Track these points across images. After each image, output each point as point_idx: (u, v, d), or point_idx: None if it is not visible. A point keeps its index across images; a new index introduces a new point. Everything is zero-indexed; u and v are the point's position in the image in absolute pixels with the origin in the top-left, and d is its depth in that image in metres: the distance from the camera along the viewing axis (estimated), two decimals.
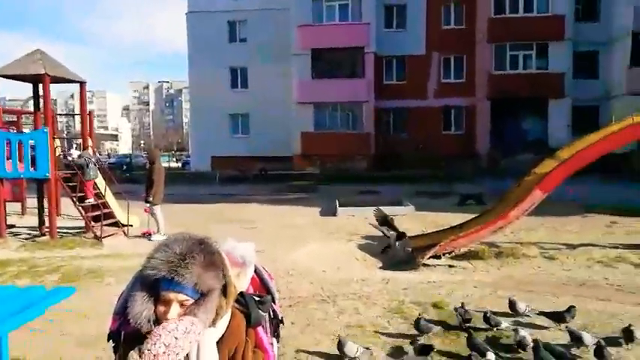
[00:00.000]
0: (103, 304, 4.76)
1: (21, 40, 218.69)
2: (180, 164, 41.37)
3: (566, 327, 3.58)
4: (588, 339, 3.39)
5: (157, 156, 9.39)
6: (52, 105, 9.35)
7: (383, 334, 3.78)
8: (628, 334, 3.57)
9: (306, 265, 6.60)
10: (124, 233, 9.33)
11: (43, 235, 9.10)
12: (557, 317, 3.94)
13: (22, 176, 9.14)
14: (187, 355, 1.41)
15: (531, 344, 3.27)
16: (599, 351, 3.20)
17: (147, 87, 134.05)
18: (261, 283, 1.85)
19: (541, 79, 22.37)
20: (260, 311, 1.68)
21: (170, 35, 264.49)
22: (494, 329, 3.80)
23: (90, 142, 9.74)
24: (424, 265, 6.89)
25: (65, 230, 9.33)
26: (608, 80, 22.91)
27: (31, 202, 10.66)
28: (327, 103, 23.81)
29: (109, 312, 4.52)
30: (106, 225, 8.99)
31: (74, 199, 8.79)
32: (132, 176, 22.05)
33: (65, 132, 43.42)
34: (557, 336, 3.77)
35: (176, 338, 1.33)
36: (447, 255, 7.26)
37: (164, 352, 1.31)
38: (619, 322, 3.95)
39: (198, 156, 28.31)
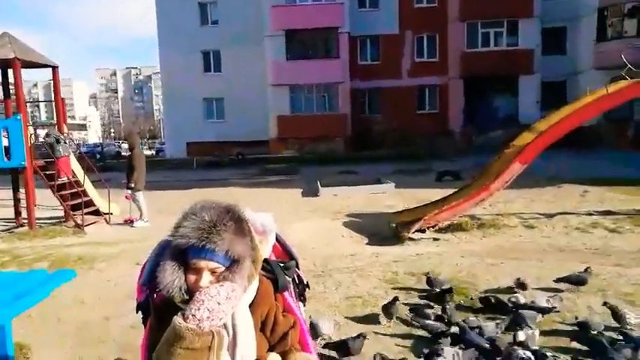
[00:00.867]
0: (98, 289, 4.74)
1: None
2: (153, 152, 40.56)
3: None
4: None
5: (136, 141, 9.23)
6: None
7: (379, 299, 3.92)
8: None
9: (295, 242, 6.60)
10: (106, 221, 9.19)
11: (21, 225, 8.88)
12: (578, 280, 4.07)
13: None
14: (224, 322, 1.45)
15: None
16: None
17: (114, 74, 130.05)
18: (283, 249, 1.90)
19: (512, 56, 22.75)
20: (286, 276, 1.73)
21: (138, 19, 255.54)
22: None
23: (66, 129, 9.48)
24: (410, 239, 7.07)
25: (43, 221, 9.12)
26: (576, 56, 23.48)
27: (1, 193, 10.38)
28: (303, 85, 23.68)
29: (106, 297, 4.57)
30: (86, 214, 8.84)
31: (53, 188, 8.59)
32: (106, 165, 21.56)
33: (31, 122, 41.85)
34: None
35: (219, 304, 1.36)
36: (431, 228, 7.46)
37: (208, 317, 1.34)
38: (602, 281, 4.17)
39: (172, 143, 27.82)
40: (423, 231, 7.32)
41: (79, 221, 8.59)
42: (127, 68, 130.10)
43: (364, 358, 2.99)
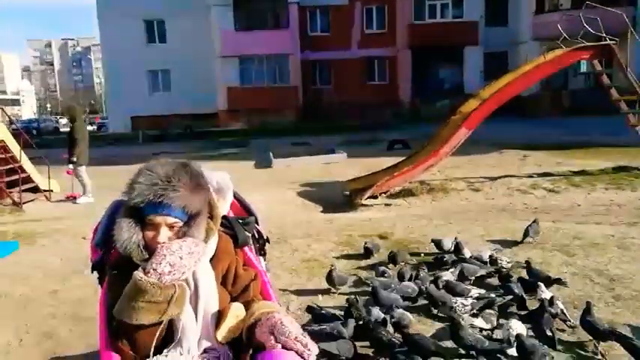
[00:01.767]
0: (42, 265, 4.54)
1: None
2: (95, 127, 38.61)
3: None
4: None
5: (78, 113, 8.74)
6: None
7: (338, 259, 4.02)
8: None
9: None
10: (46, 198, 8.74)
11: None
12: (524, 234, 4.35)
13: None
14: None
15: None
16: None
17: (49, 45, 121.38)
18: (241, 206, 1.90)
19: (457, 28, 23.23)
20: (245, 232, 1.73)
21: None
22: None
23: None
24: (362, 205, 7.22)
25: None
26: (516, 27, 24.30)
27: None
28: (252, 55, 23.17)
29: (52, 272, 4.37)
30: (24, 190, 8.35)
31: None
32: (43, 142, 20.34)
33: None
34: None
35: (181, 258, 1.35)
36: (383, 195, 7.65)
37: (169, 272, 1.33)
38: (541, 235, 4.45)
39: (116, 117, 26.64)
40: (375, 197, 7.50)
41: (17, 199, 8.11)
42: (62, 39, 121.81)
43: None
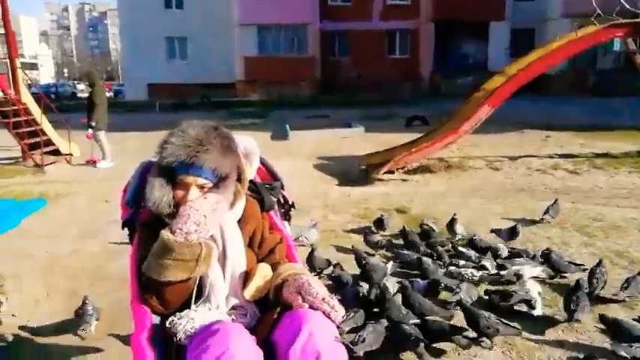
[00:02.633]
0: (65, 224, 4.65)
1: None
2: (111, 93, 38.77)
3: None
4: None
5: (96, 78, 8.78)
6: None
7: (353, 232, 4.04)
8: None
9: None
10: (67, 161, 8.88)
11: None
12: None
13: None
14: (212, 235, 1.46)
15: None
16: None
17: (66, 9, 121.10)
18: (268, 172, 1.91)
19: (483, 2, 22.52)
20: (271, 197, 1.75)
21: None
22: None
23: (19, 63, 8.88)
24: (378, 180, 7.19)
25: None
26: (545, 3, 23.48)
27: None
28: (271, 24, 22.84)
29: (75, 231, 4.46)
30: (45, 153, 8.49)
31: (8, 126, 8.15)
32: (62, 106, 20.52)
33: None
34: None
35: (205, 216, 1.38)
36: (400, 170, 7.60)
37: (195, 230, 1.36)
38: (561, 215, 4.41)
39: (132, 84, 26.65)
40: (392, 172, 7.46)
41: (38, 161, 8.26)
42: (79, 3, 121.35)
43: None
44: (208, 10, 23.91)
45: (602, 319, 2.50)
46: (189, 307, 1.43)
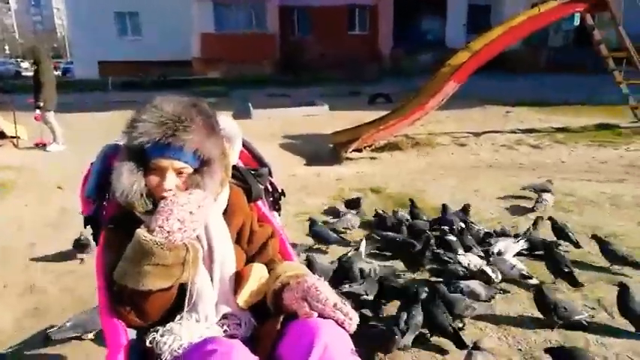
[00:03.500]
0: (16, 216, 4.27)
1: None
2: (59, 72, 36.57)
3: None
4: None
5: (42, 54, 8.10)
6: None
7: (330, 214, 3.90)
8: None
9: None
10: (14, 144, 8.24)
11: None
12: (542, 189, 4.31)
13: None
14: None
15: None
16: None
17: None
18: (252, 156, 1.70)
19: None
20: (259, 184, 1.56)
21: None
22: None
23: None
24: (347, 158, 7.07)
25: None
26: None
27: None
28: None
29: (28, 223, 4.05)
30: None
31: None
32: (6, 86, 19.15)
33: None
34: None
35: (191, 213, 1.15)
36: (368, 148, 7.51)
37: (179, 229, 1.13)
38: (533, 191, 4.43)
39: (81, 62, 25.16)
40: (360, 150, 7.36)
41: None
42: None
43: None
44: None
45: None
46: (172, 318, 1.24)
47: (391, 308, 2.49)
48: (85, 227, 1.47)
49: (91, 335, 2.34)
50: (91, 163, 1.59)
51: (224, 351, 1.01)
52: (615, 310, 2.43)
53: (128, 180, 1.23)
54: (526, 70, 18.54)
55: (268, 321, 1.24)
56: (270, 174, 1.65)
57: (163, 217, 1.13)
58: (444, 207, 3.74)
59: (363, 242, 3.10)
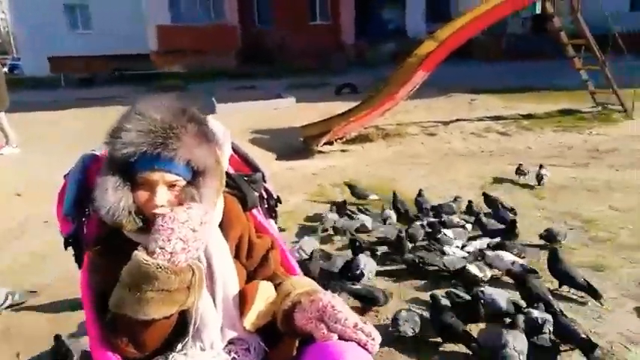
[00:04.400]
0: None
1: None
2: (6, 69, 34.61)
3: None
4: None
5: None
6: None
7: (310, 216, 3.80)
8: None
9: None
10: None
11: None
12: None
13: None
14: None
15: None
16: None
17: None
18: (243, 161, 1.58)
19: None
20: (254, 192, 1.44)
21: None
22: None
23: None
24: (319, 152, 6.98)
25: None
26: None
27: None
28: None
29: None
30: None
31: None
32: None
33: None
34: None
35: (194, 230, 1.03)
36: (339, 140, 7.44)
37: (183, 249, 1.01)
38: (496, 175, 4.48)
39: (30, 58, 23.89)
40: (330, 143, 7.28)
41: None
42: None
43: None
44: None
45: None
46: (170, 347, 1.11)
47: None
48: (66, 249, 1.31)
49: None
50: (65, 176, 1.44)
51: None
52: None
53: (114, 197, 1.10)
54: (487, 58, 18.92)
55: (280, 345, 1.14)
56: (264, 179, 1.54)
57: (163, 237, 1.01)
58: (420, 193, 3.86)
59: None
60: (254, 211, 1.46)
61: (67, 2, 22.86)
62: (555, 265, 2.58)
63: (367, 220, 3.45)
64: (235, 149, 1.56)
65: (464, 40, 7.37)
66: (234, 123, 9.33)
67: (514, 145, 6.62)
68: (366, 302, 2.45)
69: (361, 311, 2.43)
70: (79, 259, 1.30)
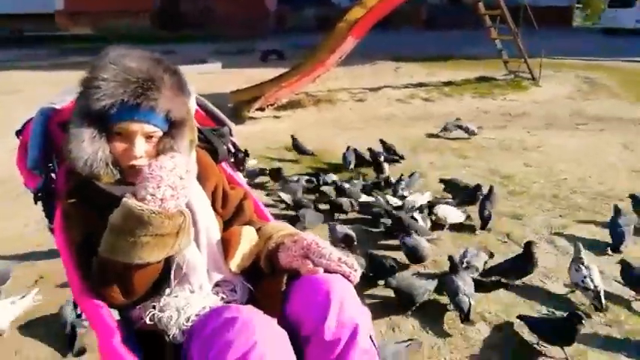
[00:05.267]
0: None
1: None
2: None
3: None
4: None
5: None
6: None
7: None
8: None
9: None
10: None
11: None
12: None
13: None
14: None
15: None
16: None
17: None
18: (208, 115, 1.59)
19: None
20: (223, 145, 1.47)
21: None
22: None
23: None
24: (250, 118, 6.92)
25: None
26: None
27: None
28: None
29: None
30: None
31: None
32: None
33: None
34: None
35: (181, 178, 1.06)
36: (270, 107, 7.40)
37: (172, 195, 1.03)
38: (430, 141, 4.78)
39: None
40: (262, 109, 7.23)
41: None
42: None
43: None
44: None
45: None
46: (157, 292, 1.14)
47: None
48: (36, 203, 1.27)
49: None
50: (17, 132, 1.37)
51: (245, 318, 0.95)
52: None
53: (91, 148, 1.11)
54: (407, 27, 19.48)
55: (268, 282, 1.20)
56: (230, 133, 1.56)
57: (153, 184, 1.02)
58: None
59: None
60: (223, 164, 1.49)
61: None
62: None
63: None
64: (199, 104, 1.56)
65: (392, 7, 7.55)
66: None
67: (437, 109, 7.01)
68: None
69: None
70: (49, 213, 1.27)
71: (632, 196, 3.15)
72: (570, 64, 10.42)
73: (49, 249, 2.67)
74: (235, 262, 1.20)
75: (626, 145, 4.90)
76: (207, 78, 9.91)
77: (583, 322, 1.87)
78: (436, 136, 5.31)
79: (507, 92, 7.83)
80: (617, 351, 1.98)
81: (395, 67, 10.73)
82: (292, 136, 4.63)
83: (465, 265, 2.41)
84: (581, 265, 2.27)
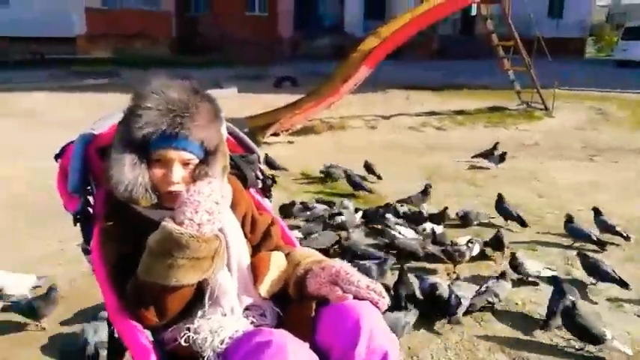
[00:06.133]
0: None
1: None
2: None
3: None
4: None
5: None
6: None
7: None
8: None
9: None
10: None
11: None
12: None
13: None
14: None
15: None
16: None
17: None
18: (238, 142, 1.65)
19: None
20: (252, 171, 1.53)
21: None
22: None
23: None
24: (264, 143, 7.03)
25: None
26: None
27: None
28: None
29: None
30: None
31: None
32: None
33: None
34: None
35: (217, 203, 1.11)
36: (285, 132, 7.52)
37: (208, 220, 1.09)
38: (446, 168, 4.83)
39: None
40: (276, 135, 7.35)
41: None
42: None
43: None
44: None
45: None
46: (189, 315, 1.17)
47: None
48: (75, 225, 1.33)
49: None
50: (56, 156, 1.44)
51: (278, 342, 0.99)
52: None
53: (132, 173, 1.17)
54: (418, 57, 19.76)
55: (297, 308, 1.23)
56: (259, 160, 1.62)
57: (191, 209, 1.08)
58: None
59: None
60: (251, 190, 1.54)
61: None
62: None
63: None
64: (231, 131, 1.63)
65: (405, 38, 7.71)
66: None
67: (450, 139, 7.07)
68: None
69: None
70: (87, 234, 1.32)
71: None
72: (583, 95, 10.50)
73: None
74: (265, 288, 1.23)
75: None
76: (223, 103, 9.72)
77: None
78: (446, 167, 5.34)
79: (520, 122, 7.89)
80: None
81: (406, 95, 10.85)
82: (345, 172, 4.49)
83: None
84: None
